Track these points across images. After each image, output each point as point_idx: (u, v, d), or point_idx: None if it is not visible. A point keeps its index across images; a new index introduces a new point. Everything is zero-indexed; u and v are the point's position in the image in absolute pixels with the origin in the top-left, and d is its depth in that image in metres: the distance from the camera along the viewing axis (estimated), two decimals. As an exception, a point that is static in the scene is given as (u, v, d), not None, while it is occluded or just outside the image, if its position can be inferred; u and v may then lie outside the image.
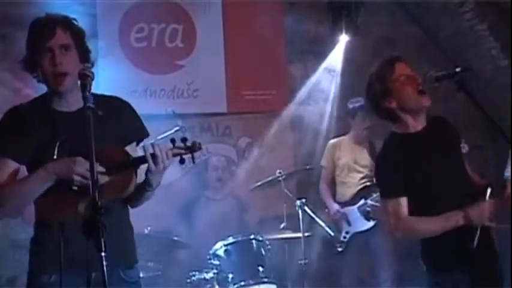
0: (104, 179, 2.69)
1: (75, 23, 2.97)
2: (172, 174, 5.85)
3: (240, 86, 6.47)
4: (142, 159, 2.82)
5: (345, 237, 5.57)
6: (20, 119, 2.93)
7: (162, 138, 5.18)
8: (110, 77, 5.50)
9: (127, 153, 2.89)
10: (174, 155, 2.82)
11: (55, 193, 2.79)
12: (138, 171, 2.90)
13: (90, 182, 2.56)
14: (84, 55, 2.95)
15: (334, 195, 5.90)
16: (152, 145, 2.80)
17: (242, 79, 6.46)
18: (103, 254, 2.34)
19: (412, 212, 3.31)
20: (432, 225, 3.26)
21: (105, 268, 2.36)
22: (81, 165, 2.72)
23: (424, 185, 3.29)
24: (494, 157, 6.37)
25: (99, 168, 2.65)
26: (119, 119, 2.98)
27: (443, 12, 6.56)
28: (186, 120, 5.67)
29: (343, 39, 6.61)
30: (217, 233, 5.24)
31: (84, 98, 2.66)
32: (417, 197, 3.31)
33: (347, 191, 5.82)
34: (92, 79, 2.73)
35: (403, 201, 3.31)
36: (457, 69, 3.24)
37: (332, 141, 6.04)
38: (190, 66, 6.33)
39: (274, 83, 6.57)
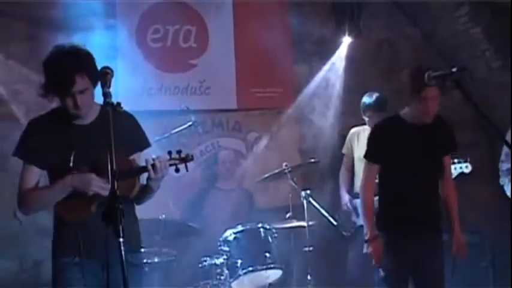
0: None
1: (86, 54, 3.06)
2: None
3: (249, 83, 6.43)
4: (144, 169, 3.08)
5: (352, 227, 5.56)
6: (41, 129, 3.14)
7: (176, 132, 5.38)
8: (128, 75, 5.53)
9: (131, 163, 3.16)
10: (171, 165, 3.10)
11: (72, 197, 3.06)
12: (141, 177, 3.16)
13: (102, 191, 2.93)
14: (96, 81, 3.03)
15: (351, 185, 5.84)
16: (153, 158, 3.06)
17: (251, 77, 6.42)
18: (121, 239, 2.46)
19: (382, 179, 4.03)
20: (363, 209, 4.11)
21: (123, 252, 2.45)
22: (96, 183, 2.98)
23: (396, 163, 3.87)
24: (490, 153, 6.35)
25: (107, 183, 2.86)
26: (125, 131, 3.10)
27: (440, 16, 6.54)
28: (199, 115, 5.68)
29: (346, 40, 6.58)
30: (227, 221, 5.25)
31: (104, 94, 2.79)
32: (388, 169, 3.96)
33: (359, 183, 5.71)
34: (112, 76, 2.82)
35: (375, 166, 4.02)
36: (454, 69, 3.26)
37: (353, 130, 5.90)
38: (203, 65, 6.29)
39: (282, 81, 6.52)
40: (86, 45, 3.16)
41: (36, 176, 3.15)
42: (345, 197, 5.75)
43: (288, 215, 5.43)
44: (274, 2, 6.50)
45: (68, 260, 3.11)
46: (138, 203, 3.31)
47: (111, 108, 2.73)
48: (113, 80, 2.83)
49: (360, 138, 5.81)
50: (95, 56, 3.14)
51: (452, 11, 6.36)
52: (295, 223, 5.33)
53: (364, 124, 5.73)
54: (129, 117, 3.25)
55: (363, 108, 5.70)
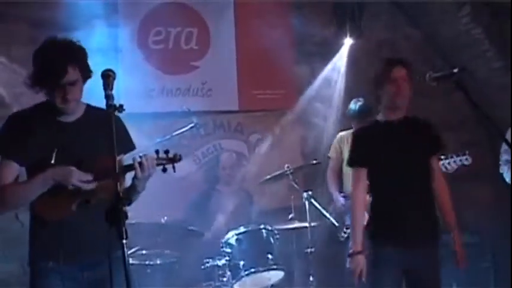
0: (94, 184, 2.89)
1: (79, 47, 3.01)
2: (187, 168, 5.91)
3: (251, 85, 6.43)
4: (130, 167, 2.98)
5: (347, 228, 5.48)
6: (23, 124, 3.00)
7: (177, 133, 5.32)
8: (130, 77, 5.48)
9: (116, 162, 2.91)
10: (158, 165, 3.00)
11: (51, 193, 2.92)
12: (126, 177, 3.06)
13: (83, 187, 2.86)
14: (86, 75, 3.03)
15: (340, 186, 5.85)
16: (140, 156, 2.96)
17: (253, 79, 6.42)
18: (124, 241, 2.45)
19: (370, 182, 3.88)
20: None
21: (126, 254, 2.45)
22: (76, 176, 2.88)
23: (382, 164, 3.78)
24: (490, 153, 6.34)
25: (88, 176, 2.88)
26: (110, 131, 2.96)
27: (442, 17, 6.54)
28: (201, 117, 5.67)
29: (347, 42, 6.60)
30: (229, 223, 5.26)
31: (107, 97, 2.76)
32: (375, 172, 3.85)
33: (349, 184, 5.75)
34: (114, 79, 2.81)
35: (362, 171, 3.88)
36: (455, 70, 3.26)
37: (340, 133, 5.96)
38: (205, 67, 6.27)
39: (283, 83, 6.52)
40: (87, 47, 3.09)
41: (15, 172, 3.00)
42: (340, 198, 5.72)
43: (290, 216, 5.41)
44: (275, 4, 6.49)
45: (45, 265, 2.99)
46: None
47: (113, 111, 2.70)
48: (115, 82, 2.81)
49: (349, 141, 5.81)
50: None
51: (453, 11, 6.36)
52: (297, 224, 5.32)
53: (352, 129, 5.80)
54: (115, 119, 3.09)
55: (347, 115, 5.81)
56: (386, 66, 3.82)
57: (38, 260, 3.02)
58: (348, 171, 5.66)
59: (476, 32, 6.37)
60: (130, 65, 5.81)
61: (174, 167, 3.04)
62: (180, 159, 3.05)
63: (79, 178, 2.88)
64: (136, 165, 2.94)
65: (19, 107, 5.34)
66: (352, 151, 4.05)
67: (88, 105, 3.10)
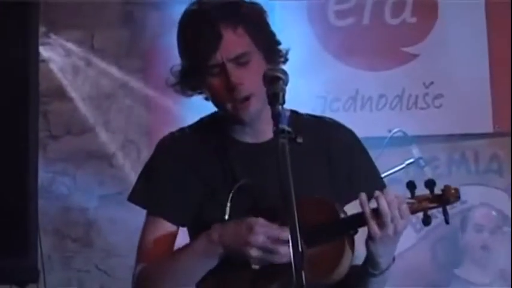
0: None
1: (249, 5, 2.76)
2: (403, 240, 5.60)
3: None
4: (359, 220, 2.58)
5: None
6: (176, 155, 2.83)
7: (387, 175, 4.93)
8: (299, 76, 5.13)
9: (336, 211, 2.67)
10: (414, 211, 2.58)
11: (225, 269, 2.70)
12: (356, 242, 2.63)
13: (277, 257, 2.55)
14: (271, 55, 2.77)
15: None
16: (374, 196, 2.57)
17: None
18: None
19: None
20: None
21: None
22: (262, 232, 2.58)
23: None
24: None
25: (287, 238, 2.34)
26: (334, 161, 2.83)
27: None
28: (424, 146, 5.37)
29: None
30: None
31: (274, 116, 2.46)
32: None
33: None
34: (285, 84, 2.53)
35: None
36: None
37: None
38: (428, 55, 5.89)
39: None
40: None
41: (168, 235, 2.82)
42: None
43: None
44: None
45: None
46: None
47: (287, 139, 2.30)
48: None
49: None
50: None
51: None
52: None
53: None
54: (344, 131, 2.89)
55: None
56: None
57: None
58: None
59: None
60: (298, 56, 5.51)
61: (445, 214, 2.60)
62: (456, 198, 2.64)
63: (268, 234, 2.58)
64: (369, 212, 2.56)
65: (107, 133, 5.97)
66: None
67: (288, 110, 2.69)
